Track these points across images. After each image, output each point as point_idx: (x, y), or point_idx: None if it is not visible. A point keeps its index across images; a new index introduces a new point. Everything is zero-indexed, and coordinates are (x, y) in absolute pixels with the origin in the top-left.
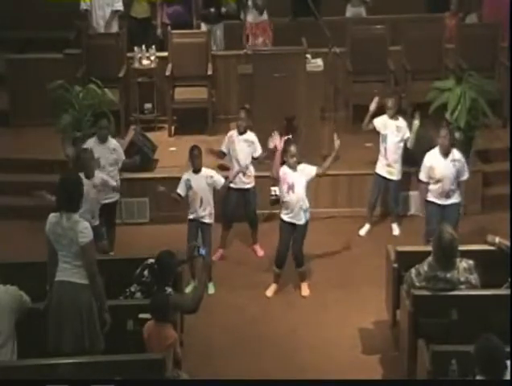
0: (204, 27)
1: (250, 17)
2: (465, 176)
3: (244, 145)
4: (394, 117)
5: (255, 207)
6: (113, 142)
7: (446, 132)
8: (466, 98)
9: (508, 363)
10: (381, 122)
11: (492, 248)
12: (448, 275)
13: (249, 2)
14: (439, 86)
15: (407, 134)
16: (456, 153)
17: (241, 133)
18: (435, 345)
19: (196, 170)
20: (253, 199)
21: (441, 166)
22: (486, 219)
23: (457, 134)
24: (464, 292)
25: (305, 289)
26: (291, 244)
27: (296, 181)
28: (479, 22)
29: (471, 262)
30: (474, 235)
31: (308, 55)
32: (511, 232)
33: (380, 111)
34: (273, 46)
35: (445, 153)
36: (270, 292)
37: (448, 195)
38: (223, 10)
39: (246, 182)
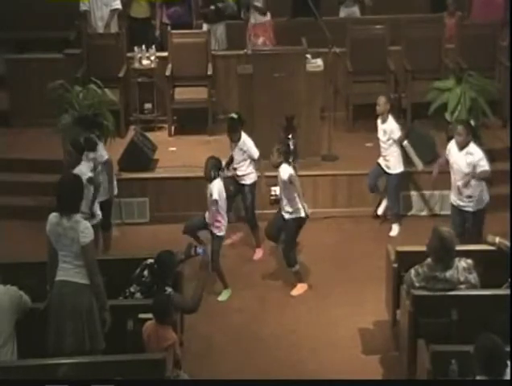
0: (205, 27)
1: (252, 17)
2: (482, 167)
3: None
4: (382, 116)
5: (251, 207)
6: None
7: (462, 129)
8: (466, 98)
9: (508, 362)
10: (379, 120)
11: (492, 248)
12: (448, 275)
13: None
14: (439, 86)
15: (394, 135)
16: (471, 147)
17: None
18: (435, 345)
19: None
20: (247, 196)
21: (454, 155)
22: (486, 219)
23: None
24: (463, 292)
25: (296, 290)
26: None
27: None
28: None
29: (470, 261)
30: None
31: (308, 55)
32: (511, 231)
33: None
34: (273, 46)
35: (460, 148)
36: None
37: (463, 195)
38: (220, 5)
39: (239, 177)
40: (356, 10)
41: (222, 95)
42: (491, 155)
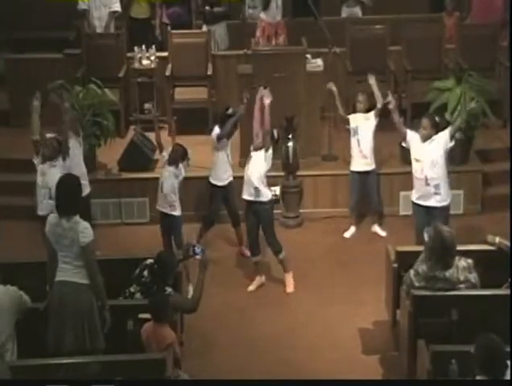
0: (205, 28)
1: (269, 16)
2: (446, 134)
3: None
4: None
5: (235, 203)
6: None
7: (427, 122)
8: (466, 98)
9: (508, 362)
10: (352, 117)
11: (492, 248)
12: (448, 274)
13: (273, 2)
14: (439, 86)
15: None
16: (433, 138)
17: None
18: (435, 345)
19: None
20: (232, 192)
21: (417, 147)
22: (486, 219)
23: (457, 134)
24: (464, 292)
25: (288, 286)
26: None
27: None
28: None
29: (470, 261)
30: (474, 235)
31: (308, 55)
32: (511, 231)
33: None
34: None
35: (423, 140)
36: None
37: (430, 185)
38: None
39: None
40: (358, 11)
41: (222, 95)
42: (491, 155)
